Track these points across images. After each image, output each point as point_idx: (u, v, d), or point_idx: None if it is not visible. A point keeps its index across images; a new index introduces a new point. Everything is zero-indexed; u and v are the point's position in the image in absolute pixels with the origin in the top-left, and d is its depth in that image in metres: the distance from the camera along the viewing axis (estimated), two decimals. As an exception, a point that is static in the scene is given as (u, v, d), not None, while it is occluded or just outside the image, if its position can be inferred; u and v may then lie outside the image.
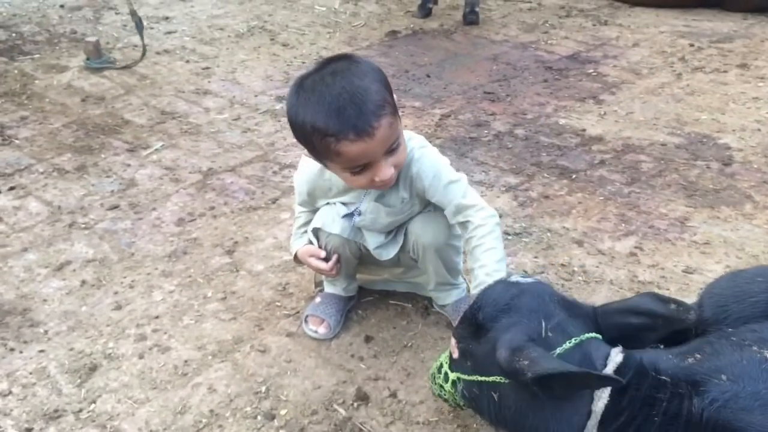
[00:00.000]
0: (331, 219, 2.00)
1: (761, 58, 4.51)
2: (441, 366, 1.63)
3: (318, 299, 2.22)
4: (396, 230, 2.07)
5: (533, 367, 1.25)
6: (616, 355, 1.34)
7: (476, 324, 1.45)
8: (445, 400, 1.68)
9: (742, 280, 1.55)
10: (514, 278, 1.51)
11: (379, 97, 1.63)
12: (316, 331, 2.14)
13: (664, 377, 1.30)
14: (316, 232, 2.04)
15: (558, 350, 1.33)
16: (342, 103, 1.59)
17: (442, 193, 1.88)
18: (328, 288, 2.23)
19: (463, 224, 1.88)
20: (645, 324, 1.40)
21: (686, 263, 2.46)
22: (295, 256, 2.12)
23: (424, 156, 1.89)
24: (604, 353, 1.36)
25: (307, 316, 2.18)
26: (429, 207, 2.01)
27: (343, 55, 1.73)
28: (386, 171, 1.70)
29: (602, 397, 1.28)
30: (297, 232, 2.14)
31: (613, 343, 1.41)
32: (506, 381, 1.37)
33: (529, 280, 1.49)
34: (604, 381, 1.27)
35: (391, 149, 1.70)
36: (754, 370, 1.29)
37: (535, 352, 1.29)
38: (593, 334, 1.39)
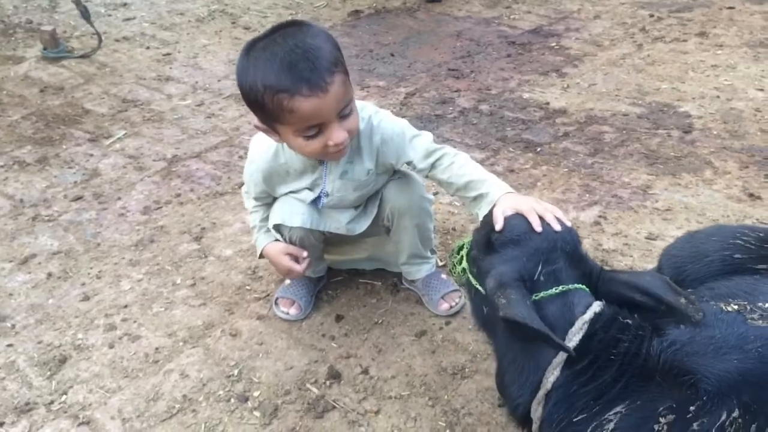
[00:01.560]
0: (290, 212, 1.97)
1: (720, 26, 4.58)
2: (462, 248, 1.69)
3: (288, 281, 2.23)
4: (366, 202, 2.06)
5: (506, 309, 1.31)
6: (597, 307, 1.38)
7: (488, 240, 1.51)
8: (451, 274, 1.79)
9: (697, 241, 1.61)
10: (548, 216, 1.51)
11: (331, 56, 1.61)
12: (287, 313, 2.15)
13: (628, 321, 1.35)
14: (278, 227, 2.01)
15: (542, 294, 1.39)
16: (294, 58, 1.56)
17: (410, 146, 1.89)
18: None
19: (438, 160, 1.87)
20: (647, 305, 1.40)
21: (649, 230, 2.52)
22: (261, 254, 2.09)
23: (383, 120, 1.90)
24: (586, 304, 1.39)
25: (277, 299, 2.19)
26: (397, 174, 2.02)
27: (293, 20, 1.69)
28: (339, 134, 1.66)
29: (572, 340, 1.32)
30: (258, 226, 2.08)
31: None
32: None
33: (557, 227, 1.48)
34: (558, 347, 1.31)
35: (344, 114, 1.67)
36: (710, 318, 1.34)
37: (515, 294, 1.34)
38: (580, 286, 1.43)
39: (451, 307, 2.13)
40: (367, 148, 1.90)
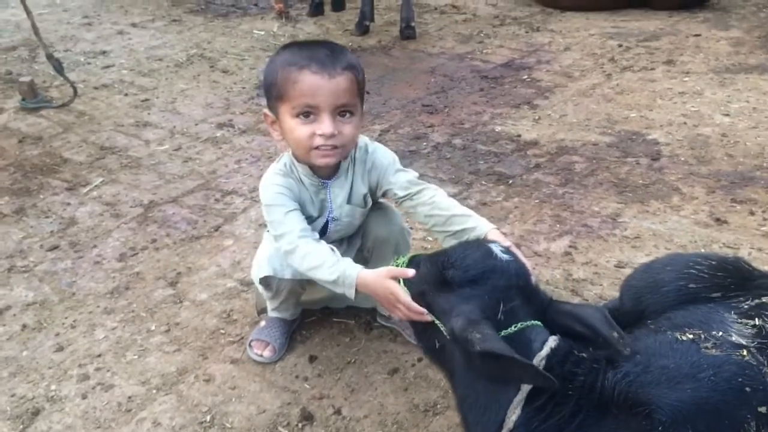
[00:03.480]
0: (280, 264, 1.99)
1: (686, 53, 4.70)
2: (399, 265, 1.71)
3: (263, 323, 2.24)
4: (349, 236, 2.13)
5: (483, 343, 1.32)
6: (552, 342, 1.40)
7: (443, 278, 1.51)
8: None
9: (654, 271, 1.64)
10: (495, 249, 1.55)
11: (352, 61, 1.79)
12: (261, 355, 2.15)
13: (583, 354, 1.38)
14: (266, 280, 2.04)
15: (502, 333, 1.40)
16: (319, 48, 1.77)
17: (394, 175, 2.00)
18: (272, 313, 2.25)
19: (418, 193, 1.96)
20: (585, 335, 1.44)
21: (618, 258, 2.55)
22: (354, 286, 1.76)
23: (378, 149, 2.02)
24: (543, 339, 1.42)
25: (251, 341, 2.20)
26: (377, 205, 2.12)
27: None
28: (329, 125, 1.75)
29: None
30: (319, 248, 1.80)
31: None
32: (447, 336, 1.46)
33: (506, 257, 1.53)
34: (540, 377, 1.31)
35: (342, 112, 1.78)
36: (665, 348, 1.37)
37: (488, 329, 1.36)
38: (536, 322, 1.45)
39: None
40: (361, 173, 1.99)
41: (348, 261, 1.78)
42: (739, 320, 1.43)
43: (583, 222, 2.80)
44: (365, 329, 2.28)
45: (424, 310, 1.53)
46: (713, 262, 1.58)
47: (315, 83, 1.72)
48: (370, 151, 2.00)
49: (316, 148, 1.79)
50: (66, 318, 2.39)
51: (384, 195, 2.06)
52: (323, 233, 2.00)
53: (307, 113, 1.76)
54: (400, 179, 1.99)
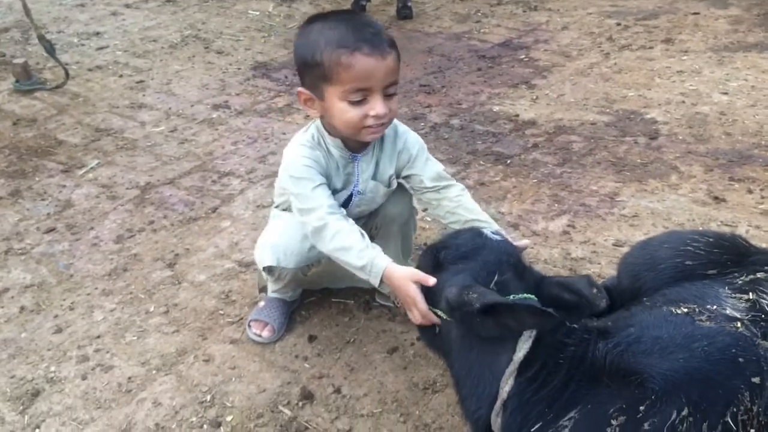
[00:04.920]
0: (284, 253, 1.97)
1: (685, 32, 4.68)
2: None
3: (262, 303, 2.24)
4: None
5: (481, 299, 1.34)
6: None
7: (436, 260, 1.56)
8: None
9: (651, 249, 1.64)
10: (486, 232, 1.61)
11: (392, 39, 1.74)
12: (259, 335, 2.16)
13: (574, 325, 1.39)
14: (269, 269, 2.00)
15: None
16: (360, 25, 1.70)
17: (424, 164, 1.99)
18: (273, 293, 2.25)
19: (446, 188, 1.98)
20: (574, 301, 1.46)
21: (616, 237, 2.56)
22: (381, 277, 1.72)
23: (408, 131, 2.01)
24: None
25: (250, 321, 2.20)
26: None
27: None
28: (382, 106, 1.71)
29: (522, 348, 1.36)
30: (350, 229, 1.76)
31: None
32: (447, 318, 1.48)
33: (497, 238, 1.59)
34: (543, 315, 1.32)
35: (389, 93, 1.74)
36: (659, 320, 1.38)
37: (482, 289, 1.39)
38: (529, 295, 1.47)
39: None
40: (390, 154, 1.96)
41: (377, 250, 1.74)
42: (734, 295, 1.43)
43: (581, 201, 2.79)
44: (364, 309, 2.28)
45: (437, 319, 1.52)
46: (710, 239, 1.58)
47: (369, 67, 1.66)
48: (400, 132, 1.98)
49: (367, 127, 1.76)
50: (64, 300, 2.39)
51: (407, 179, 2.03)
52: (344, 207, 1.96)
53: (359, 95, 1.71)
54: (430, 170, 1.99)
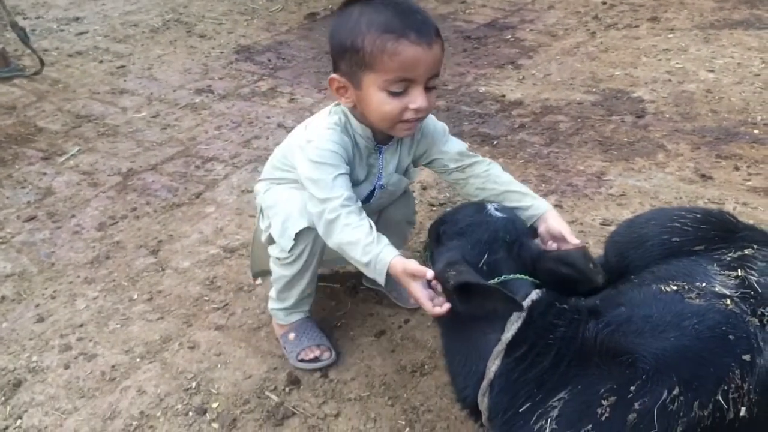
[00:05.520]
0: (298, 213, 1.79)
1: (671, 10, 4.65)
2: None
3: (292, 335, 2.01)
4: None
5: (457, 277, 1.34)
6: (535, 294, 1.41)
7: (438, 234, 1.59)
8: None
9: (638, 226, 1.62)
10: (490, 207, 1.59)
11: (437, 26, 1.61)
12: (318, 359, 1.96)
13: (565, 306, 1.38)
14: (301, 235, 1.79)
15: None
16: (406, 9, 1.57)
17: (446, 146, 1.89)
18: (288, 318, 2.04)
19: (471, 166, 1.88)
20: (571, 275, 1.45)
21: (603, 216, 2.54)
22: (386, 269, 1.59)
23: (429, 116, 1.84)
24: (525, 292, 1.42)
25: (299, 354, 1.97)
26: None
27: None
28: (423, 99, 1.58)
29: (511, 329, 1.35)
30: (359, 223, 1.62)
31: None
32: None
33: (499, 214, 1.57)
34: (510, 302, 1.33)
35: (430, 85, 1.62)
36: (648, 299, 1.37)
37: (464, 267, 1.38)
38: (520, 275, 1.45)
39: None
40: (408, 143, 1.86)
41: (383, 244, 1.57)
42: (722, 272, 1.41)
43: (569, 181, 2.78)
44: (351, 293, 2.26)
45: (443, 311, 1.44)
46: (697, 216, 1.56)
47: (416, 56, 1.53)
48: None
49: (404, 121, 1.64)
50: (46, 289, 2.35)
51: (430, 165, 1.94)
52: (366, 201, 1.85)
53: (401, 86, 1.58)
54: (452, 149, 1.88)
